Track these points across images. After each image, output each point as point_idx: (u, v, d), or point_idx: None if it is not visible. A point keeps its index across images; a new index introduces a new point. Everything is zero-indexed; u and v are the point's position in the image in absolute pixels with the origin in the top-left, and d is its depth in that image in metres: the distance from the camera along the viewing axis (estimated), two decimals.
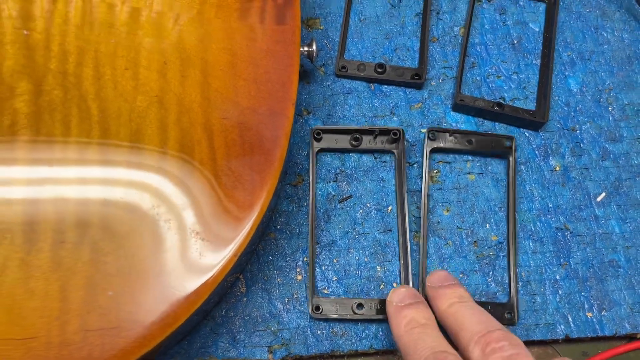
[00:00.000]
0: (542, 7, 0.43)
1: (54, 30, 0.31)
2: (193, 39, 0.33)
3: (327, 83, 0.40)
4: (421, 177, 0.37)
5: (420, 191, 0.37)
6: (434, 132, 0.37)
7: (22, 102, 0.30)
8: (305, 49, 0.37)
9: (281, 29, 0.34)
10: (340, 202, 0.37)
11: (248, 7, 0.34)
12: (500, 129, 0.40)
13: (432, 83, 0.41)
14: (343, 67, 0.40)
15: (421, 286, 0.35)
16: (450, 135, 0.37)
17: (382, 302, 0.35)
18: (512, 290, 0.36)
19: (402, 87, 0.40)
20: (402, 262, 0.36)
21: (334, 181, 0.38)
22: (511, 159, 0.37)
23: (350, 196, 0.37)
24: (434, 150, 0.38)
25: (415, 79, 0.40)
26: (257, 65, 0.33)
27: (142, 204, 0.29)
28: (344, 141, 0.37)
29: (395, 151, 0.37)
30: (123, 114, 0.30)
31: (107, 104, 0.30)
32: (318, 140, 0.37)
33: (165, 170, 0.30)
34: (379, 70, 0.40)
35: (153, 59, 0.32)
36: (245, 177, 0.31)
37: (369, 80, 0.40)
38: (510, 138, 0.38)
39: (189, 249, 0.29)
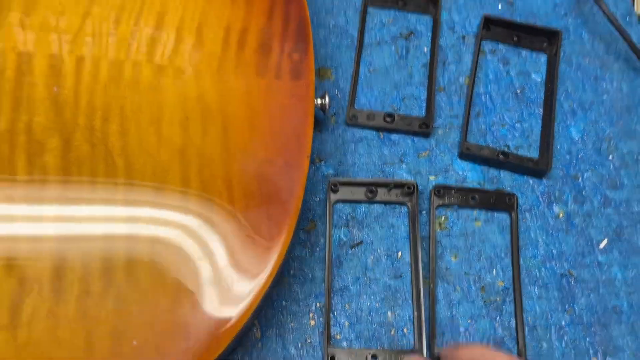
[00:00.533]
0: (543, 58, 0.45)
1: (82, 87, 0.33)
2: (213, 94, 0.34)
3: (339, 132, 0.42)
4: (429, 225, 0.39)
5: (429, 238, 0.39)
6: (440, 189, 0.39)
7: (52, 157, 0.31)
8: (319, 101, 0.39)
9: (297, 84, 0.36)
10: (351, 248, 0.38)
11: (265, 63, 0.36)
12: (506, 176, 0.41)
13: (439, 132, 0.42)
14: (353, 116, 0.42)
15: (432, 332, 0.36)
16: (455, 192, 0.39)
17: (396, 355, 0.36)
18: (519, 337, 0.37)
19: (410, 136, 0.42)
20: (415, 311, 0.37)
21: (346, 227, 0.39)
22: (513, 214, 0.39)
23: (361, 242, 0.39)
24: (440, 206, 0.39)
25: (423, 128, 0.42)
26: (273, 119, 0.35)
27: (164, 256, 0.31)
28: (359, 193, 0.39)
29: (408, 204, 0.39)
30: (147, 168, 0.32)
31: (132, 159, 0.32)
32: (335, 192, 0.39)
33: (185, 224, 0.31)
34: (388, 119, 0.42)
35: (175, 115, 0.33)
36: (262, 227, 0.32)
37: (378, 129, 0.42)
38: (512, 195, 0.39)
39: (208, 301, 0.30)
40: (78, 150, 0.31)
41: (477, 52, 0.44)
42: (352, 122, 0.42)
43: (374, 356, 0.36)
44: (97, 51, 0.34)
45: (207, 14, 0.36)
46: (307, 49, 0.37)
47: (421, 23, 0.46)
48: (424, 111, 0.43)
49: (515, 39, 0.45)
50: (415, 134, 0.42)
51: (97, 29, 0.34)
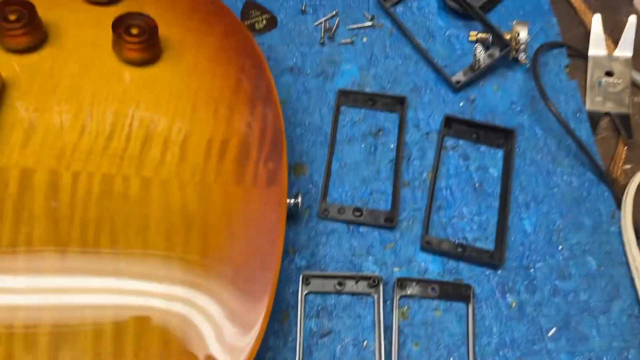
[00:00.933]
0: (500, 153, 0.50)
1: (78, 201, 0.37)
2: (195, 204, 0.38)
3: (311, 224, 0.46)
4: (392, 314, 0.42)
5: (392, 327, 0.42)
6: (402, 282, 0.43)
7: (48, 264, 0.35)
8: (292, 200, 0.43)
9: (271, 190, 0.40)
10: (321, 338, 0.42)
11: (243, 172, 0.40)
12: (464, 267, 0.45)
13: (404, 224, 0.46)
14: (325, 210, 0.46)
15: None
16: (416, 284, 0.43)
17: None
18: None
19: (377, 228, 0.46)
20: None
21: (316, 317, 0.43)
22: (470, 304, 0.43)
23: (330, 332, 0.42)
24: (403, 297, 0.43)
25: (388, 223, 0.46)
26: (249, 226, 0.39)
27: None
28: (329, 285, 0.43)
29: (374, 295, 0.43)
30: (134, 271, 0.35)
31: (121, 266, 0.36)
32: (307, 284, 0.42)
33: (168, 327, 0.35)
34: (357, 213, 0.46)
35: (160, 225, 0.37)
36: (238, 322, 0.36)
37: (348, 222, 0.46)
38: (468, 287, 0.43)
39: None
40: (73, 261, 0.35)
41: (439, 148, 0.49)
42: (324, 215, 0.46)
43: None
44: (91, 166, 0.38)
45: (192, 127, 0.40)
46: (281, 157, 0.41)
47: (389, 121, 0.51)
48: (389, 205, 0.47)
49: (475, 135, 0.50)
50: (381, 227, 0.46)
51: (93, 145, 0.38)
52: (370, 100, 0.51)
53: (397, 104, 0.51)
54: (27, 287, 0.35)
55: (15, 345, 0.33)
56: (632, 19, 0.55)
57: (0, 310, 0.34)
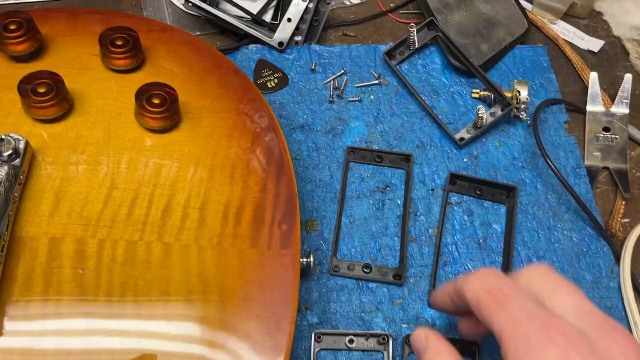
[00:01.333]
0: (503, 209, 0.52)
1: (103, 268, 0.39)
2: (213, 268, 0.40)
3: (323, 280, 0.48)
4: None
5: None
6: (410, 339, 0.44)
7: (76, 331, 0.37)
8: (305, 260, 0.45)
9: (285, 252, 0.42)
10: None
11: (258, 235, 0.42)
12: None
13: (411, 280, 0.48)
14: (336, 266, 0.48)
15: None
16: None
17: None
18: None
19: (385, 284, 0.48)
20: None
21: None
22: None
23: None
24: (411, 353, 0.45)
25: (396, 279, 0.47)
26: (264, 289, 0.40)
27: None
28: (340, 342, 0.44)
29: (384, 352, 0.44)
30: (156, 336, 0.37)
31: (144, 328, 0.37)
32: (319, 341, 0.44)
33: None
34: (366, 270, 0.48)
35: (181, 289, 0.39)
36: None
37: (358, 278, 0.48)
38: (474, 343, 0.45)
39: None
40: (99, 323, 0.37)
41: (445, 204, 0.51)
42: (335, 272, 0.48)
43: None
44: (115, 234, 0.40)
45: (210, 192, 0.43)
46: (295, 220, 0.43)
47: (396, 177, 0.53)
48: (397, 261, 0.49)
49: (478, 192, 0.52)
50: (390, 283, 0.48)
51: (117, 212, 0.41)
52: (378, 157, 0.53)
53: (403, 160, 0.53)
54: (55, 350, 0.36)
55: None
56: (628, 77, 0.57)
57: None
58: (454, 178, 0.52)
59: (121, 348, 0.37)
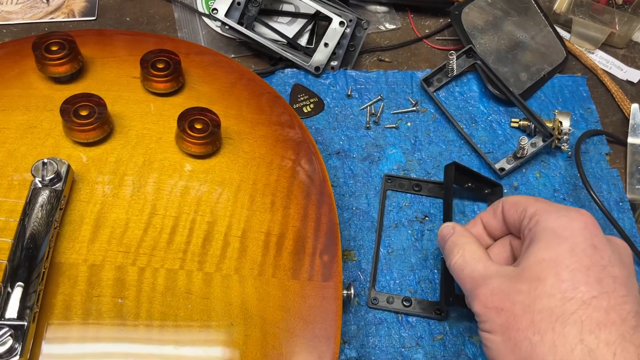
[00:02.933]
0: None
1: (143, 297, 0.37)
2: (254, 299, 0.39)
3: (361, 313, 0.46)
4: None
5: None
6: None
7: None
8: (345, 292, 0.44)
9: (327, 285, 0.41)
10: None
11: (299, 266, 0.41)
12: None
13: (453, 315, 0.47)
14: (375, 299, 0.47)
15: None
16: None
17: None
18: None
19: (426, 319, 0.46)
20: None
21: None
22: None
23: None
24: None
25: (437, 314, 0.46)
26: (306, 322, 0.39)
27: None
28: None
29: None
30: None
31: None
32: None
33: None
34: (406, 304, 0.46)
35: (222, 321, 0.38)
36: None
37: (397, 312, 0.46)
38: None
39: None
40: (138, 356, 0.36)
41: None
42: (374, 305, 0.46)
43: None
44: (156, 262, 0.39)
45: (251, 220, 0.42)
46: (336, 250, 0.42)
47: (435, 207, 0.51)
48: (438, 294, 0.47)
49: (468, 184, 0.51)
50: (430, 318, 0.46)
51: (157, 240, 0.40)
52: (416, 186, 0.52)
53: (443, 189, 0.52)
54: None
55: None
56: None
57: None
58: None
59: None
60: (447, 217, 0.47)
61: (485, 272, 0.38)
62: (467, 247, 0.40)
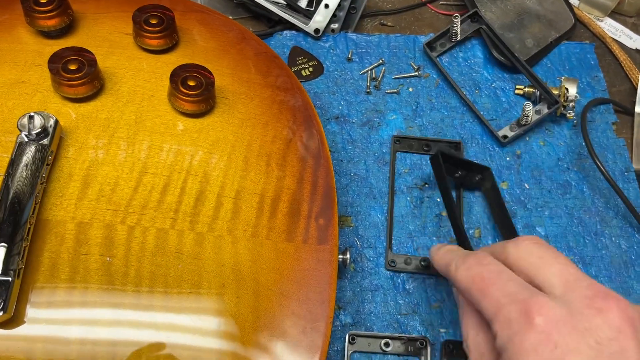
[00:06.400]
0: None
1: (132, 256, 0.36)
2: (247, 261, 0.38)
3: (357, 279, 0.45)
4: None
5: None
6: (450, 344, 0.42)
7: (102, 329, 0.34)
8: (340, 257, 0.43)
9: (322, 248, 0.40)
10: None
11: (294, 228, 0.40)
12: None
13: (450, 283, 0.46)
14: (392, 261, 0.46)
15: None
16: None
17: None
18: None
19: (423, 287, 0.45)
20: None
21: None
22: None
23: None
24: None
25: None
26: (300, 285, 0.38)
27: None
28: (375, 345, 0.42)
29: (422, 358, 0.42)
30: (187, 331, 0.35)
31: (174, 322, 0.35)
32: (352, 343, 0.42)
33: None
34: (423, 263, 0.46)
35: (213, 282, 0.37)
36: None
37: (416, 272, 0.46)
38: None
39: None
40: (126, 314, 0.35)
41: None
42: (392, 267, 0.45)
43: None
44: (146, 221, 0.38)
45: (245, 181, 0.40)
46: (332, 214, 0.41)
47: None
48: None
49: (457, 174, 0.49)
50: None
51: (147, 198, 0.38)
52: (426, 146, 0.51)
53: (453, 148, 0.51)
54: (80, 339, 0.34)
55: None
56: None
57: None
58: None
59: (149, 341, 0.35)
60: (456, 226, 0.43)
61: None
62: None
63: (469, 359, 0.35)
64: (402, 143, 0.51)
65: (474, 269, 0.34)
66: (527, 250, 0.34)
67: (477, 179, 0.49)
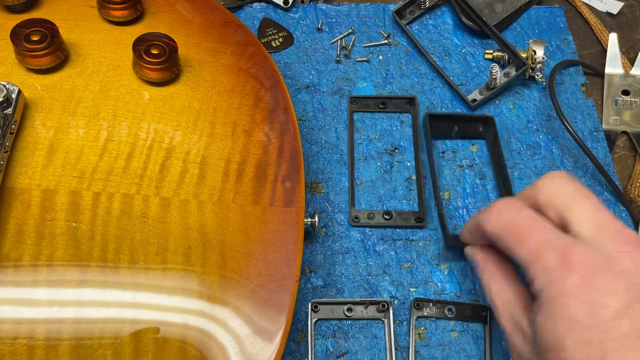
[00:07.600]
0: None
1: (98, 221, 0.37)
2: (213, 224, 0.38)
3: (327, 243, 0.46)
4: (409, 335, 0.42)
5: (409, 348, 0.42)
6: (419, 302, 0.43)
7: (69, 290, 0.35)
8: (309, 219, 0.43)
9: (288, 210, 0.40)
10: (337, 359, 0.42)
11: (261, 192, 0.40)
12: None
13: (420, 244, 0.46)
14: (356, 217, 0.46)
15: None
16: (433, 305, 0.43)
17: None
18: None
19: (393, 248, 0.46)
20: None
21: (332, 337, 0.43)
22: (487, 326, 0.42)
23: (347, 352, 0.42)
24: (419, 317, 0.43)
25: (418, 222, 0.46)
26: (266, 246, 0.39)
27: None
28: (338, 311, 0.43)
29: (384, 320, 0.42)
30: (153, 290, 0.36)
31: (140, 282, 0.36)
32: (316, 311, 0.42)
33: (187, 341, 0.35)
34: (386, 217, 0.46)
35: (179, 244, 0.37)
36: (254, 342, 0.36)
37: (379, 226, 0.46)
38: (485, 308, 0.43)
39: None
40: (93, 284, 0.35)
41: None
42: (356, 223, 0.46)
43: None
44: (111, 187, 0.38)
45: (211, 147, 0.41)
46: (299, 177, 0.41)
47: (405, 139, 0.51)
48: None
49: (455, 130, 0.51)
50: (412, 227, 0.47)
51: (113, 165, 0.39)
52: (382, 104, 0.51)
53: (408, 104, 0.51)
54: (47, 300, 0.35)
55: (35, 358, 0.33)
56: None
57: (20, 324, 0.34)
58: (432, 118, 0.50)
59: (116, 301, 0.35)
60: (436, 187, 0.45)
61: None
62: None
63: (494, 311, 0.38)
64: (358, 103, 0.51)
65: (507, 215, 0.36)
66: (559, 187, 0.36)
67: (480, 129, 0.50)
